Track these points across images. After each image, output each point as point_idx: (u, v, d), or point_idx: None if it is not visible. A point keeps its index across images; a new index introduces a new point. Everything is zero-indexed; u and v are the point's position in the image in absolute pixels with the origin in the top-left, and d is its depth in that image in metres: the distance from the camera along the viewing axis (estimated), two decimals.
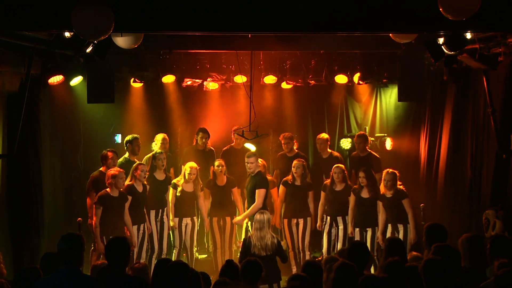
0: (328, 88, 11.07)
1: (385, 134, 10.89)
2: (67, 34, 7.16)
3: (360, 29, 7.06)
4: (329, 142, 10.25)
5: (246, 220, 9.25)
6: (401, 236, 8.71)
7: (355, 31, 7.26)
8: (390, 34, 7.68)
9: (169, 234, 9.43)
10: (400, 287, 5.36)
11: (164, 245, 9.26)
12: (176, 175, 9.73)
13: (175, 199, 9.35)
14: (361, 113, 11.46)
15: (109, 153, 9.18)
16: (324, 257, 9.02)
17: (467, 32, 7.25)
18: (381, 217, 9.01)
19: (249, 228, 9.06)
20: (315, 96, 11.34)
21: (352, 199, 9.22)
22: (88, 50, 7.23)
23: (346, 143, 10.93)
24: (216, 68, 10.09)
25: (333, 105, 11.46)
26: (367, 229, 9.15)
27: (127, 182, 8.81)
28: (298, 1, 6.60)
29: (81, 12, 6.01)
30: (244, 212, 9.38)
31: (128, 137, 9.55)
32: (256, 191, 8.88)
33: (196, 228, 9.55)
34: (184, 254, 9.48)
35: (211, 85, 10.57)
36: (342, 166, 9.45)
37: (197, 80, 10.34)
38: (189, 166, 9.29)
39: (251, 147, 10.40)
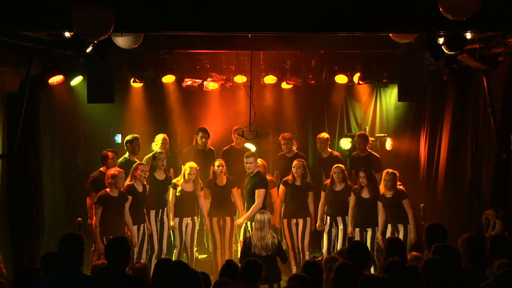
0: (328, 88, 11.08)
1: (385, 134, 10.89)
2: (67, 34, 7.16)
3: (360, 29, 7.06)
4: (329, 142, 10.26)
5: (242, 217, 9.26)
6: (401, 236, 8.71)
7: (355, 31, 7.27)
8: (390, 34, 7.68)
9: (169, 234, 9.43)
10: (400, 287, 5.36)
11: (164, 245, 9.26)
12: (176, 175, 9.73)
13: (175, 199, 9.35)
14: (361, 113, 11.46)
15: (109, 153, 9.18)
16: (324, 257, 9.02)
17: (467, 32, 7.25)
18: (381, 217, 9.01)
19: (249, 228, 9.07)
20: (315, 96, 11.34)
21: (352, 199, 9.22)
22: (88, 50, 7.24)
23: (346, 143, 10.93)
24: (216, 68, 10.09)
25: (333, 105, 11.46)
26: (367, 229, 9.15)
27: (127, 182, 8.81)
28: (298, 1, 6.60)
29: (81, 12, 6.01)
30: (244, 212, 9.39)
31: (128, 137, 9.55)
32: (256, 191, 8.88)
33: (197, 228, 9.56)
34: (184, 254, 9.48)
35: (211, 85, 10.57)
36: (342, 166, 9.45)
37: (197, 80, 10.35)
38: (188, 166, 9.30)
39: (251, 147, 10.41)
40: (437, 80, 9.77)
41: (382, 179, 8.95)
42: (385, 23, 6.78)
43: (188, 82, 10.36)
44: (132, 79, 10.12)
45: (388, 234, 8.82)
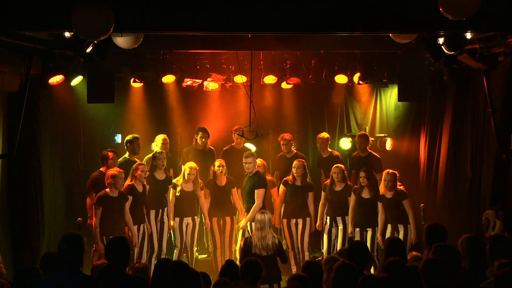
0: (328, 88, 11.08)
1: (386, 134, 10.89)
2: (67, 34, 7.16)
3: (360, 29, 7.06)
4: (329, 142, 10.26)
5: (244, 220, 9.26)
6: (401, 236, 8.71)
7: (355, 31, 7.26)
8: (390, 34, 7.68)
9: (169, 234, 9.43)
10: (400, 287, 5.36)
11: (163, 245, 9.25)
12: (176, 175, 9.73)
13: (175, 199, 9.36)
14: (361, 113, 11.46)
15: (110, 153, 9.18)
16: (324, 257, 9.02)
17: (467, 32, 7.25)
18: (381, 217, 9.00)
19: (248, 228, 9.07)
20: (315, 96, 11.34)
21: (352, 199, 9.22)
22: (88, 50, 7.24)
23: (346, 143, 10.92)
24: (216, 68, 10.09)
25: (333, 105, 11.46)
26: (368, 229, 9.15)
27: (127, 182, 8.81)
28: (298, 1, 6.61)
29: (81, 12, 6.01)
30: (243, 212, 9.40)
31: (128, 137, 9.55)
32: (255, 191, 8.89)
33: (197, 227, 9.56)
34: (184, 254, 9.48)
35: (211, 85, 10.57)
36: (342, 166, 9.45)
37: (197, 80, 10.35)
38: (188, 166, 9.30)
39: (251, 147, 10.42)
40: (437, 80, 9.78)
41: (383, 179, 8.95)
42: (385, 23, 6.78)
43: (188, 82, 10.36)
44: (132, 79, 10.12)
45: (388, 234, 8.82)
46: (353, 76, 10.09)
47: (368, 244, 8.85)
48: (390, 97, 11.03)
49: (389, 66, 9.74)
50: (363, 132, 10.34)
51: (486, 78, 8.42)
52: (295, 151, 10.26)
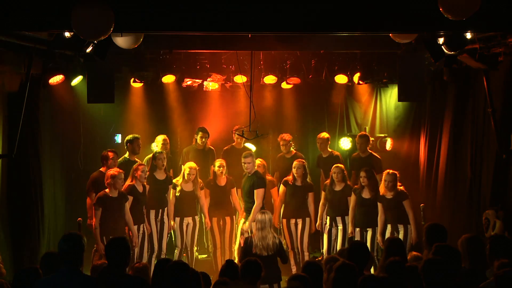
0: (328, 88, 11.08)
1: (386, 135, 10.89)
2: (67, 34, 7.16)
3: (360, 29, 7.06)
4: (329, 142, 10.26)
5: (242, 220, 9.26)
6: (401, 236, 8.71)
7: (355, 31, 7.26)
8: (390, 34, 7.68)
9: (170, 234, 9.43)
10: (400, 287, 5.36)
11: (163, 245, 9.25)
12: (176, 175, 9.72)
13: (175, 199, 9.36)
14: (361, 113, 11.45)
15: (110, 153, 9.19)
16: (324, 257, 9.02)
17: (467, 32, 7.25)
18: (380, 218, 9.00)
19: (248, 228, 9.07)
20: (315, 96, 11.34)
21: (353, 199, 9.22)
22: (88, 50, 7.23)
23: (346, 143, 10.92)
24: (216, 68, 10.09)
25: (333, 105, 11.46)
26: (368, 229, 9.15)
27: (128, 183, 8.82)
28: (298, 1, 6.61)
29: (81, 12, 6.01)
30: (242, 212, 9.40)
31: (128, 137, 9.56)
32: (255, 191, 8.90)
33: (197, 227, 9.56)
34: (184, 254, 9.48)
35: (211, 85, 10.57)
36: (342, 166, 9.45)
37: (197, 80, 10.35)
38: (188, 166, 9.31)
39: (251, 147, 10.42)
40: (437, 80, 9.78)
41: (383, 179, 8.95)
42: (385, 23, 6.78)
43: (188, 82, 10.36)
44: (132, 79, 10.12)
45: (388, 235, 8.82)
46: (353, 76, 10.09)
47: (368, 244, 8.86)
48: (390, 97, 11.03)
49: (389, 66, 9.74)
50: (364, 133, 10.34)
51: (486, 78, 8.42)
52: (295, 151, 10.27)
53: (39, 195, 9.17)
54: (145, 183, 9.02)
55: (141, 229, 8.94)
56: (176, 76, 10.05)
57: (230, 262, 6.14)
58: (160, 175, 9.30)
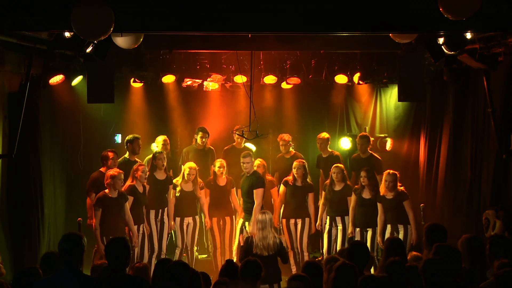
0: (328, 88, 11.08)
1: (386, 135, 10.88)
2: (67, 34, 7.16)
3: (360, 29, 7.06)
4: (329, 142, 10.26)
5: (241, 220, 9.26)
6: (401, 236, 8.71)
7: (355, 31, 7.26)
8: (390, 34, 7.67)
9: (170, 234, 9.43)
10: (400, 287, 5.36)
11: (163, 245, 9.25)
12: (176, 176, 9.72)
13: (175, 199, 9.37)
14: (361, 113, 11.45)
15: (110, 153, 9.19)
16: (324, 257, 9.02)
17: (467, 32, 7.25)
18: (380, 218, 9.00)
19: (246, 228, 9.07)
20: (315, 96, 11.34)
21: (353, 199, 9.21)
22: (88, 50, 7.23)
23: (346, 143, 10.92)
24: (216, 68, 10.09)
25: (333, 105, 11.46)
26: (368, 229, 9.15)
27: (128, 183, 8.82)
28: (298, 1, 6.60)
29: (81, 12, 6.00)
30: (240, 213, 9.43)
31: (129, 137, 9.56)
32: (254, 191, 8.91)
33: (198, 227, 9.56)
34: (184, 254, 9.48)
35: (211, 85, 10.57)
36: (341, 165, 9.45)
37: (197, 80, 10.35)
38: (188, 167, 9.32)
39: (251, 147, 10.43)
40: (437, 80, 9.77)
41: (383, 180, 8.94)
42: (385, 23, 6.78)
43: (188, 82, 10.36)
44: (132, 79, 10.12)
45: (387, 235, 8.82)
46: (353, 76, 10.08)
47: (368, 244, 8.86)
48: (390, 97, 11.02)
49: (389, 66, 9.74)
50: (364, 133, 10.33)
51: (486, 78, 8.42)
52: (294, 151, 10.27)
53: (39, 195, 9.16)
54: (145, 184, 9.02)
55: (141, 229, 8.94)
56: (176, 76, 10.05)
57: (230, 262, 6.14)
58: (160, 175, 9.30)
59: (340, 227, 9.35)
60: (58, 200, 9.98)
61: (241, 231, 9.26)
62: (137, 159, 9.47)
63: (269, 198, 9.82)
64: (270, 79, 10.25)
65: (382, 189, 8.99)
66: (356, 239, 9.10)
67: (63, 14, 6.11)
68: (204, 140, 10.11)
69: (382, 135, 10.87)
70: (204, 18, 6.61)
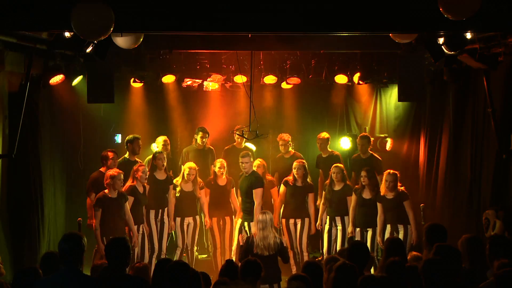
0: (328, 88, 11.08)
1: (386, 135, 10.88)
2: (67, 34, 7.16)
3: (360, 29, 7.05)
4: (329, 142, 10.26)
5: (240, 220, 9.25)
6: (401, 236, 8.70)
7: (355, 31, 7.26)
8: (390, 34, 7.67)
9: (171, 234, 9.42)
10: (400, 287, 5.36)
11: (163, 245, 9.25)
12: (175, 176, 9.72)
13: (175, 199, 9.37)
14: (361, 113, 11.45)
15: (110, 153, 9.19)
16: (324, 257, 9.03)
17: (467, 32, 7.24)
18: (380, 218, 9.00)
19: (246, 228, 9.07)
20: (315, 96, 11.34)
21: (353, 199, 9.21)
22: (88, 50, 7.23)
23: (346, 143, 10.92)
24: (216, 68, 10.09)
25: (333, 105, 11.46)
26: (368, 229, 9.14)
27: (129, 183, 8.82)
28: (298, 1, 6.60)
29: (81, 12, 6.00)
30: (238, 213, 9.43)
31: (129, 137, 9.56)
32: (254, 191, 8.93)
33: (198, 227, 9.56)
34: (184, 254, 9.48)
35: (211, 85, 10.57)
36: (341, 165, 9.45)
37: (197, 80, 10.36)
38: (188, 167, 9.32)
39: (252, 147, 10.43)
40: (437, 80, 9.76)
41: (384, 180, 8.94)
42: (385, 23, 6.78)
43: (188, 82, 10.37)
44: (132, 79, 10.12)
45: (387, 235, 8.82)
46: (353, 76, 10.08)
47: (368, 244, 8.85)
48: (390, 97, 11.02)
49: (389, 66, 9.75)
50: (365, 134, 10.32)
51: (486, 78, 8.42)
52: (293, 151, 10.27)
53: (39, 195, 9.16)
54: (145, 184, 9.02)
55: (141, 229, 8.94)
56: (176, 76, 10.05)
57: (230, 262, 6.14)
58: (161, 175, 9.30)
59: (339, 227, 9.35)
60: (58, 200, 9.99)
61: (240, 231, 9.26)
62: (137, 159, 9.47)
63: (269, 198, 9.82)
64: (270, 79, 10.25)
65: (382, 189, 8.99)
66: (356, 239, 9.09)
67: (63, 14, 6.11)
68: (204, 140, 10.11)
69: (382, 135, 10.86)
70: (204, 18, 6.61)
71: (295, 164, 9.45)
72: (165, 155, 9.40)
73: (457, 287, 5.14)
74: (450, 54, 7.62)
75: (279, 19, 6.62)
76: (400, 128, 11.06)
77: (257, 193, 8.91)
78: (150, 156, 9.64)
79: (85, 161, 10.32)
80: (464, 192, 9.26)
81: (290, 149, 10.21)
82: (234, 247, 9.41)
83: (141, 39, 7.68)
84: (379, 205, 8.99)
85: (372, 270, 7.05)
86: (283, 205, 9.67)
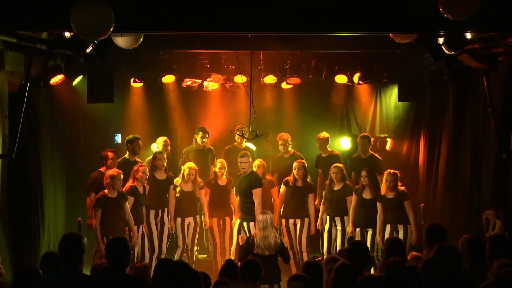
0: (328, 88, 11.08)
1: (386, 135, 10.88)
2: (67, 34, 7.16)
3: (360, 29, 7.06)
4: (329, 142, 10.26)
5: (238, 221, 9.24)
6: (401, 236, 8.70)
7: (355, 31, 7.26)
8: (390, 34, 7.67)
9: (171, 234, 9.42)
10: (400, 287, 5.36)
11: (163, 245, 9.25)
12: (175, 176, 9.72)
13: (175, 199, 9.37)
14: (361, 113, 11.45)
15: (109, 153, 9.19)
16: (324, 257, 9.02)
17: (467, 32, 7.25)
18: (379, 217, 9.00)
19: (245, 228, 9.07)
20: (315, 96, 11.34)
21: (354, 199, 9.20)
22: (88, 50, 7.23)
23: (346, 143, 10.92)
24: (216, 68, 10.09)
25: (333, 105, 11.46)
26: (368, 229, 9.14)
27: (129, 184, 8.82)
28: (298, 1, 6.60)
29: (81, 12, 6.00)
30: (236, 213, 9.44)
31: (129, 137, 9.56)
32: (253, 191, 8.95)
33: (199, 227, 9.56)
34: (184, 254, 9.48)
35: (211, 85, 10.58)
36: (341, 165, 9.44)
37: (197, 80, 10.36)
38: (187, 167, 9.32)
39: (252, 147, 10.43)
40: (437, 80, 9.76)
41: (384, 179, 8.94)
42: (385, 23, 6.78)
43: (188, 82, 10.37)
44: (132, 79, 10.12)
45: (387, 235, 8.81)
46: (353, 76, 10.08)
47: (368, 244, 8.85)
48: (390, 97, 11.02)
49: (389, 66, 9.75)
50: (366, 133, 10.32)
51: (486, 78, 8.41)
52: (293, 151, 10.27)
53: (39, 195, 9.17)
54: (145, 184, 9.02)
55: (140, 230, 8.94)
56: (176, 76, 10.05)
57: (230, 262, 6.14)
58: (161, 175, 9.30)
59: (339, 227, 9.34)
60: (58, 200, 9.99)
61: (239, 232, 9.25)
62: (137, 159, 9.46)
63: (269, 198, 9.82)
64: (270, 79, 10.25)
65: (383, 189, 8.98)
66: (356, 239, 9.09)
67: (63, 14, 6.11)
68: (204, 140, 10.11)
69: (382, 135, 10.86)
70: (204, 18, 6.61)
71: (295, 164, 9.45)
72: (165, 156, 9.40)
73: (457, 287, 5.14)
74: (450, 54, 7.61)
75: (279, 19, 6.62)
76: (400, 128, 11.05)
77: (256, 193, 8.93)
78: (151, 157, 9.64)
79: (85, 161, 10.32)
80: (464, 192, 9.26)
81: (289, 148, 10.21)
82: (233, 248, 9.40)
83: (141, 39, 7.68)
84: (378, 204, 8.98)
85: (372, 270, 7.05)
86: (283, 205, 9.67)
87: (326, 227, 9.44)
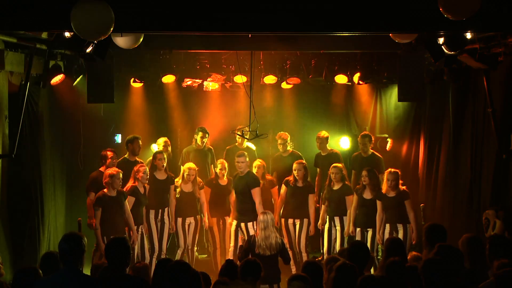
0: (328, 88, 11.08)
1: (387, 135, 10.88)
2: (67, 34, 7.16)
3: (360, 29, 7.06)
4: (328, 141, 10.26)
5: (235, 222, 9.23)
6: (401, 236, 8.70)
7: (355, 31, 7.26)
8: (390, 34, 7.68)
9: (171, 234, 9.42)
10: (400, 287, 5.36)
11: (164, 245, 9.25)
12: (175, 176, 9.71)
13: (175, 200, 9.37)
14: (361, 113, 11.45)
15: (109, 153, 9.20)
16: (324, 257, 9.02)
17: (467, 32, 7.25)
18: (379, 217, 8.99)
19: (242, 228, 9.06)
20: (315, 96, 11.34)
21: (354, 199, 9.20)
22: (88, 50, 7.23)
23: (346, 143, 10.91)
24: (216, 68, 10.10)
25: (333, 105, 11.46)
26: (368, 229, 9.13)
27: (130, 184, 8.82)
28: (298, 1, 6.60)
29: (81, 12, 6.01)
30: (233, 213, 9.41)
31: (129, 137, 9.57)
32: (252, 191, 8.95)
33: (199, 227, 9.56)
34: (184, 254, 9.48)
35: (211, 85, 10.58)
36: (340, 165, 9.44)
37: (197, 80, 10.36)
38: (187, 167, 9.32)
39: (253, 147, 10.43)
40: (437, 80, 9.76)
41: (385, 178, 8.93)
42: (385, 23, 6.78)
43: (188, 82, 10.37)
44: (132, 79, 10.12)
45: (387, 234, 8.81)
46: (353, 76, 10.08)
47: (369, 244, 8.84)
48: (390, 97, 11.02)
49: (389, 66, 9.75)
50: (366, 132, 10.31)
51: (486, 78, 8.41)
52: (292, 150, 10.27)
53: (39, 195, 9.17)
54: (146, 184, 9.02)
55: (140, 230, 8.94)
56: (176, 76, 10.06)
57: (230, 262, 6.15)
58: (161, 175, 9.30)
59: (338, 227, 9.34)
60: (58, 200, 9.99)
61: (237, 233, 9.19)
62: (137, 159, 9.46)
63: (269, 198, 9.82)
64: (270, 79, 10.26)
65: (384, 188, 8.97)
66: (356, 239, 9.09)
67: (63, 14, 6.11)
68: (204, 140, 10.11)
69: (383, 136, 10.86)
70: (204, 18, 6.61)
71: (295, 165, 9.44)
72: (165, 156, 9.40)
73: (457, 287, 5.14)
74: (450, 54, 7.60)
75: (279, 19, 6.62)
76: (400, 128, 11.05)
77: (256, 193, 8.93)
78: (151, 157, 9.64)
79: (85, 161, 10.33)
80: (464, 192, 9.26)
81: (288, 148, 10.21)
82: (231, 249, 9.30)
83: (141, 39, 7.68)
84: (378, 203, 8.97)
85: (372, 270, 7.05)
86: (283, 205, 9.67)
87: (326, 226, 9.44)
